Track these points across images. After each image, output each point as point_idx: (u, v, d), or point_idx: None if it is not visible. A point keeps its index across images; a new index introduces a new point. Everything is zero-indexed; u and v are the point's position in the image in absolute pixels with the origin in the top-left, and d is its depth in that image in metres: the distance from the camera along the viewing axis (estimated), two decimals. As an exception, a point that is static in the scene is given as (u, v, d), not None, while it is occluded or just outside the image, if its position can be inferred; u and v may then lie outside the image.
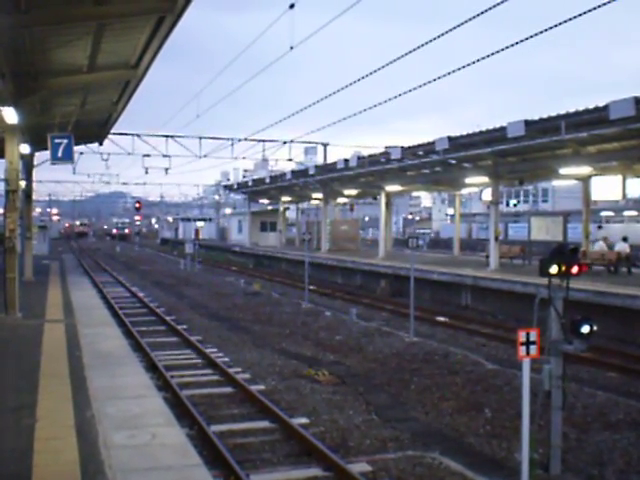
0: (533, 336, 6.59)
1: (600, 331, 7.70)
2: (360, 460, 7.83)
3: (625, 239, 22.80)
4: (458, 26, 9.90)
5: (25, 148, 18.09)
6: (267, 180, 41.01)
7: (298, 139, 38.49)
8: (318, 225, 41.06)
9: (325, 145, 41.21)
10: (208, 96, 27.70)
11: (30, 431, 6.38)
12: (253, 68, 23.36)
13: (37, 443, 6.04)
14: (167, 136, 34.83)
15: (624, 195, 21.85)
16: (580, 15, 8.49)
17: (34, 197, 29.63)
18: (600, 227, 40.69)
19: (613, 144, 18.89)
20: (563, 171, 21.57)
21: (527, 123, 17.40)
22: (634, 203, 46.55)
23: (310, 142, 47.68)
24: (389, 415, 9.94)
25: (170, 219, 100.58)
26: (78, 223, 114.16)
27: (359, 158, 28.84)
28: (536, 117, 17.29)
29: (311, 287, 24.25)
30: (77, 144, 22.61)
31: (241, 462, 7.55)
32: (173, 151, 36.16)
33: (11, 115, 13.14)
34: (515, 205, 52.22)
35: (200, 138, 35.59)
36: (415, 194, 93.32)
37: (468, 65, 10.93)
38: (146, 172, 38.24)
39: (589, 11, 8.32)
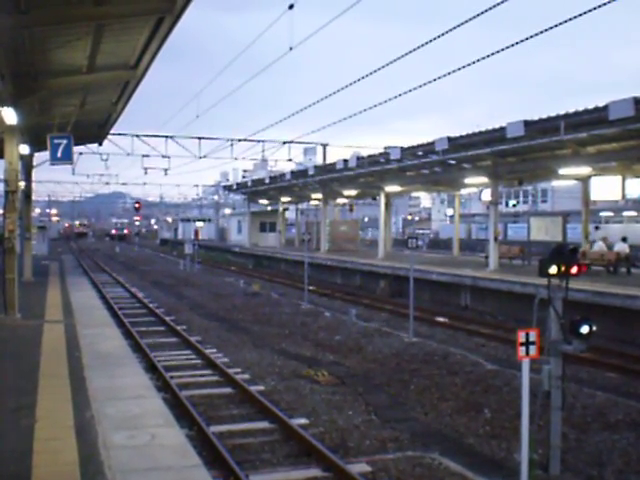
0: (532, 336, 6.59)
1: (599, 331, 7.70)
2: (359, 460, 7.83)
3: (624, 239, 22.81)
4: (458, 26, 9.91)
5: (24, 149, 18.07)
6: (266, 180, 41.00)
7: (297, 139, 38.49)
8: (317, 225, 41.06)
9: (324, 145, 41.23)
10: (208, 96, 27.75)
11: (29, 432, 6.37)
12: (252, 68, 23.38)
13: (36, 443, 6.04)
14: (167, 136, 34.82)
15: (623, 195, 21.87)
16: (580, 15, 8.50)
17: (33, 197, 29.63)
18: (597, 227, 40.67)
19: (612, 144, 18.89)
20: (562, 171, 21.58)
21: (526, 123, 17.41)
22: (633, 203, 46.56)
23: (309, 142, 47.65)
24: (388, 415, 9.94)
25: (169, 219, 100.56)
26: (77, 223, 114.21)
27: (358, 158, 28.84)
28: (536, 117, 17.32)
29: (310, 287, 24.25)
30: (76, 144, 22.58)
31: (241, 463, 7.55)
32: (172, 151, 36.13)
33: (10, 116, 13.14)
34: (514, 205, 52.29)
35: (199, 138, 35.59)
36: (414, 194, 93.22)
37: (468, 65, 10.95)
38: (145, 172, 38.27)
39: (589, 11, 8.33)
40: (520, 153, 21.51)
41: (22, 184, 21.91)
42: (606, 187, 21.83)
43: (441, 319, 19.85)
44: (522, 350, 6.58)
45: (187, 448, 6.28)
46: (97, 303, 18.42)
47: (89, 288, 23.06)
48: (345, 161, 29.77)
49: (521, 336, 6.58)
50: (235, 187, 55.92)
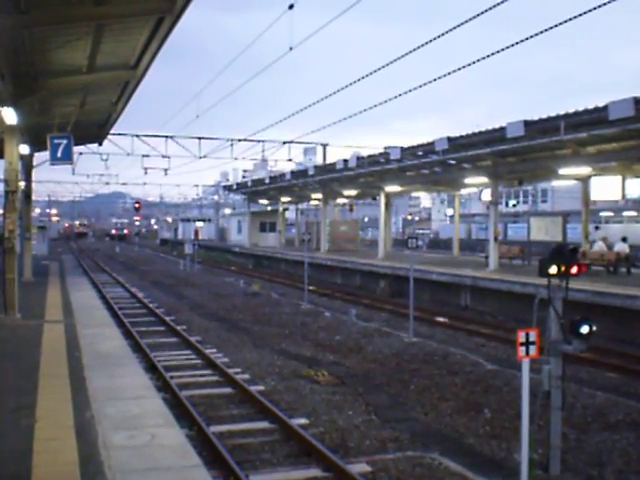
0: (532, 336, 6.59)
1: (599, 331, 7.70)
2: (359, 460, 7.83)
3: (624, 239, 22.81)
4: (458, 26, 9.91)
5: (24, 149, 18.07)
6: (266, 180, 41.00)
7: (297, 139, 38.49)
8: (317, 225, 41.06)
9: (324, 145, 41.23)
10: (208, 97, 27.76)
11: (29, 431, 6.37)
12: (252, 69, 23.38)
13: (36, 443, 6.04)
14: (167, 136, 34.81)
15: (623, 195, 21.87)
16: (580, 15, 8.50)
17: (33, 197, 29.63)
18: (597, 228, 40.63)
19: (612, 144, 18.89)
20: (562, 171, 21.58)
21: (526, 123, 17.41)
22: (633, 203, 46.56)
23: (309, 142, 47.67)
24: (388, 415, 9.94)
25: (169, 219, 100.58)
26: (77, 223, 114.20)
27: (358, 158, 28.83)
28: (536, 117, 17.31)
29: (310, 287, 24.25)
30: (76, 144, 22.58)
31: (241, 463, 7.55)
32: (172, 151, 36.12)
33: (10, 116, 13.14)
34: (514, 205, 52.29)
35: (199, 138, 35.59)
36: (414, 194, 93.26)
37: (468, 65, 10.94)
38: (145, 173, 38.27)
39: (589, 11, 8.33)
40: (520, 153, 21.51)
41: (22, 184, 21.91)
42: (606, 187, 21.83)
43: (441, 319, 19.85)
44: (522, 350, 6.58)
45: (187, 448, 6.28)
46: (97, 303, 18.42)
47: (89, 288, 23.06)
48: (345, 161, 29.76)
49: (521, 336, 6.58)
50: (235, 187, 55.93)
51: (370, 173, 29.26)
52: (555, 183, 43.61)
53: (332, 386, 11.53)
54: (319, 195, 38.95)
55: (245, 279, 32.25)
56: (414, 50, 11.05)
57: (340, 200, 44.67)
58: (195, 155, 35.55)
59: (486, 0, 9.45)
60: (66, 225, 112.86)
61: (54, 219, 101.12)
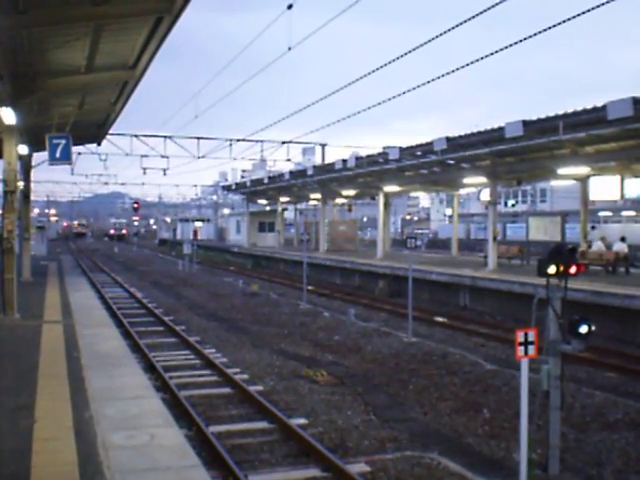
0: (531, 336, 6.60)
1: (598, 331, 7.70)
2: (359, 461, 7.83)
3: (623, 239, 22.83)
4: (457, 26, 9.91)
5: (23, 149, 18.04)
6: (265, 180, 40.98)
7: (296, 139, 38.54)
8: (316, 225, 41.08)
9: (323, 145, 41.20)
10: (206, 97, 27.63)
11: (28, 432, 6.37)
12: (251, 69, 23.37)
13: (35, 444, 6.04)
14: (165, 137, 34.77)
15: (622, 195, 21.88)
16: (579, 15, 8.50)
17: (32, 198, 29.62)
18: (594, 227, 40.58)
19: (611, 144, 18.91)
20: (561, 171, 21.59)
21: (525, 123, 17.41)
22: (632, 203, 46.58)
23: (308, 142, 47.66)
24: (387, 415, 9.95)
25: (168, 219, 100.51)
26: (76, 224, 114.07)
27: (357, 158, 28.82)
28: (534, 117, 17.32)
29: (309, 288, 24.25)
30: (75, 145, 22.59)
31: (240, 463, 7.55)
32: (171, 152, 36.04)
33: (9, 116, 13.13)
34: (513, 205, 52.40)
35: (198, 138, 35.56)
36: (413, 194, 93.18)
37: (467, 65, 10.93)
38: (144, 173, 38.14)
39: (588, 11, 8.33)
40: (519, 153, 21.52)
41: (21, 184, 21.88)
42: (605, 187, 21.85)
43: (440, 319, 19.85)
44: (521, 350, 6.58)
45: (186, 448, 6.28)
46: (96, 303, 18.42)
47: (88, 288, 23.05)
48: (344, 161, 29.74)
49: (520, 336, 6.58)
50: (234, 187, 55.90)
51: (369, 173, 29.26)
52: (554, 183, 43.57)
53: (331, 386, 11.54)
54: (318, 195, 38.95)
55: (244, 279, 32.24)
56: (413, 50, 11.05)
57: (339, 200, 44.67)
58: (194, 155, 35.53)
59: (485, 0, 9.46)
60: (65, 225, 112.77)
61: (53, 219, 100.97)
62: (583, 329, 7.07)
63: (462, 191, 36.41)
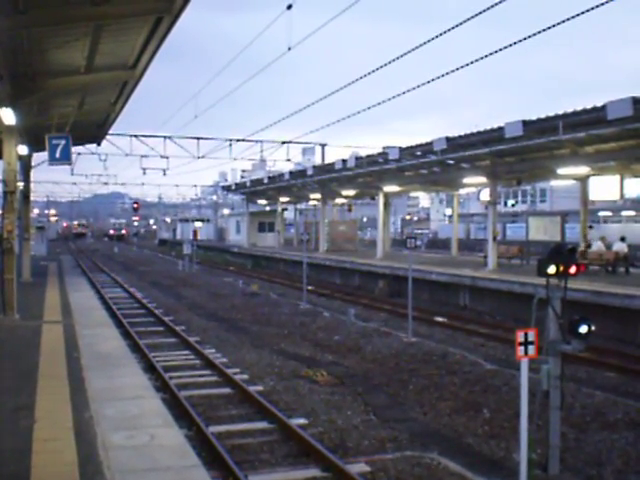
0: (531, 336, 6.60)
1: (598, 331, 7.70)
2: (359, 461, 7.83)
3: (623, 239, 22.83)
4: (457, 26, 9.91)
5: (23, 149, 18.06)
6: (265, 181, 40.99)
7: (296, 140, 38.55)
8: (316, 225, 41.06)
9: (323, 145, 41.23)
10: (206, 97, 27.64)
11: (29, 432, 6.37)
12: (251, 69, 23.38)
13: (35, 444, 6.04)
14: (165, 137, 34.80)
15: (622, 195, 21.90)
16: (578, 15, 8.51)
17: (32, 198, 29.60)
18: (591, 227, 40.56)
19: (611, 144, 18.91)
20: (561, 171, 21.60)
21: (525, 123, 17.41)
22: (632, 203, 46.59)
23: (308, 142, 47.72)
24: (387, 415, 9.95)
25: (168, 220, 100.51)
26: (76, 224, 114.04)
27: (357, 158, 28.83)
28: (534, 117, 17.32)
29: (309, 288, 24.25)
30: (75, 145, 22.59)
31: (240, 463, 7.55)
32: (171, 152, 36.07)
33: (9, 116, 13.13)
34: (513, 205, 52.40)
35: (198, 139, 35.58)
36: (413, 194, 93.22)
37: (467, 65, 10.94)
38: (144, 173, 38.17)
39: (587, 11, 8.34)
40: (518, 153, 21.52)
41: (21, 184, 21.89)
42: (604, 187, 21.85)
43: (440, 319, 19.85)
44: (521, 350, 6.59)
45: (186, 448, 6.29)
46: (96, 303, 18.42)
47: (88, 288, 23.05)
48: (344, 161, 29.75)
49: (520, 336, 6.58)
50: (234, 187, 55.89)
51: (369, 173, 29.26)
52: (554, 183, 43.60)
53: (331, 386, 11.54)
54: (318, 195, 38.95)
55: (244, 279, 32.24)
56: (413, 50, 11.05)
57: (339, 200, 44.68)
58: (194, 155, 35.55)
59: (484, 0, 9.46)
60: (64, 225, 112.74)
61: (53, 219, 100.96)
62: (583, 329, 7.07)
63: (462, 191, 36.41)
